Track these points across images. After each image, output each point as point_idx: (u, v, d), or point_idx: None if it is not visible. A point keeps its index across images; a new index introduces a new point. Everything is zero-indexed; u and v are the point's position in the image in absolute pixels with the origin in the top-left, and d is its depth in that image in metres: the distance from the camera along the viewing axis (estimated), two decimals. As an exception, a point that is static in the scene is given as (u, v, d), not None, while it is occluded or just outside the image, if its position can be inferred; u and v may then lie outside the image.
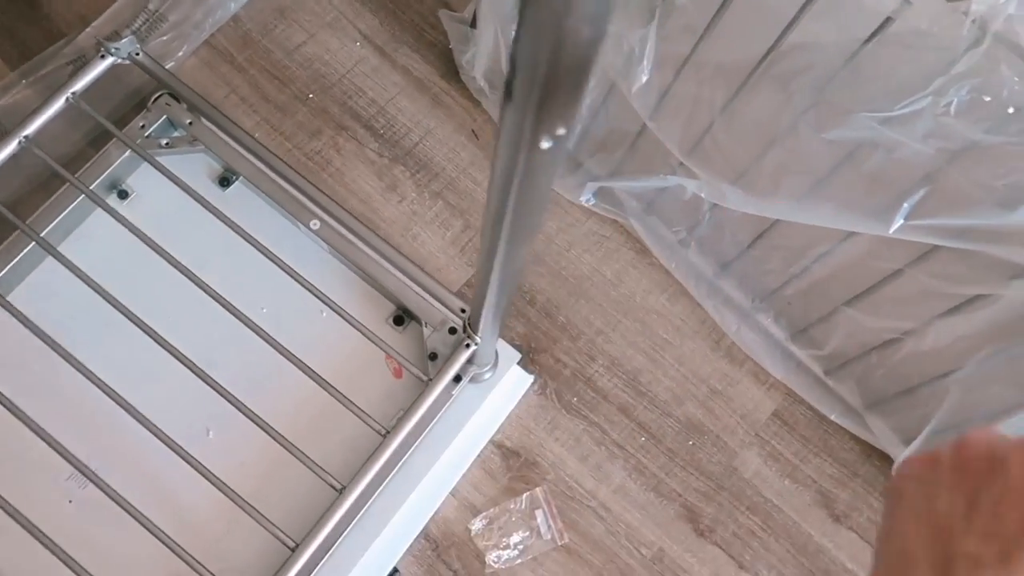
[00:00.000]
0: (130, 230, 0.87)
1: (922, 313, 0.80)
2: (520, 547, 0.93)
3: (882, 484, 0.97)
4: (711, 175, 0.84)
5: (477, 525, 0.93)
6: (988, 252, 0.66)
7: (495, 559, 0.92)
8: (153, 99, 0.97)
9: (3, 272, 0.89)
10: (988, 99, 0.57)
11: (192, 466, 0.78)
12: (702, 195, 0.87)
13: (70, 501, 0.87)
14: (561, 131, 0.33)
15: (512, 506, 0.94)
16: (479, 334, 0.78)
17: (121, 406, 0.81)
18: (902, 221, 0.68)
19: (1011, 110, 0.56)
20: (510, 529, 0.93)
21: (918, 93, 0.60)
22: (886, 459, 0.96)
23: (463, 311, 0.86)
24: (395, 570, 0.90)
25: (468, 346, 0.81)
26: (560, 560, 0.93)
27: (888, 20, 0.62)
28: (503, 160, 0.37)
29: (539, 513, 0.94)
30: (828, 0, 0.65)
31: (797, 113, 0.72)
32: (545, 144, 0.33)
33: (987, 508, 0.24)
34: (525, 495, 0.94)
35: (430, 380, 0.81)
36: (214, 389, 0.83)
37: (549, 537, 0.93)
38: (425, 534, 0.92)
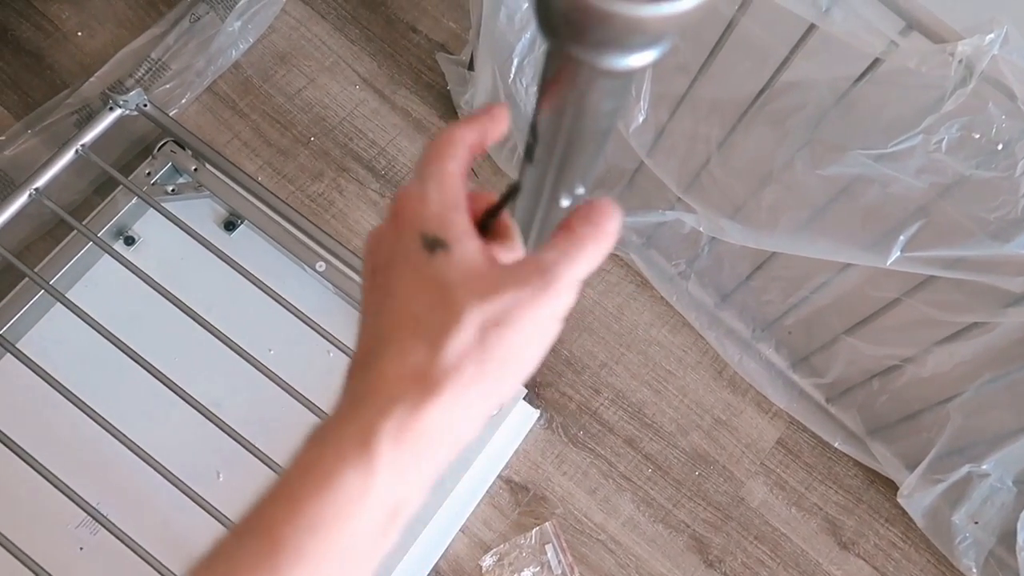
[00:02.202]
0: (137, 275, 0.88)
1: (921, 340, 0.82)
2: (530, 582, 0.93)
3: (887, 510, 0.98)
4: (709, 210, 0.86)
5: (488, 561, 0.93)
6: (983, 281, 0.68)
7: (506, 595, 0.92)
8: (159, 147, 0.99)
9: (13, 320, 0.90)
10: (977, 136, 0.59)
11: (203, 508, 0.78)
12: (700, 229, 0.88)
13: (81, 548, 0.87)
14: (580, 190, 0.34)
15: (522, 541, 0.94)
16: (487, 372, 0.79)
17: (132, 451, 0.82)
18: (899, 253, 0.70)
19: (1000, 146, 0.58)
20: (521, 564, 0.93)
21: (910, 131, 0.62)
22: (890, 485, 0.97)
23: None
24: (406, 609, 0.90)
25: (476, 384, 0.82)
26: (571, 594, 0.93)
27: (877, 61, 0.64)
28: (521, 214, 0.38)
29: (549, 548, 0.94)
30: (818, 41, 0.68)
31: (792, 150, 0.74)
32: (565, 202, 0.34)
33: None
34: (535, 530, 0.95)
35: (440, 419, 0.82)
36: (223, 430, 0.83)
37: (560, 572, 0.93)
38: (436, 571, 0.92)
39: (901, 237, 0.69)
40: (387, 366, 0.28)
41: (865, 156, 0.66)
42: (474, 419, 0.29)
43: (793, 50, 0.70)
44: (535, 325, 0.28)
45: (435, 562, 0.92)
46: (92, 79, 1.11)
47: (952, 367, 0.81)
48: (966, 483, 0.85)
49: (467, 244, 0.29)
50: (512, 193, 0.32)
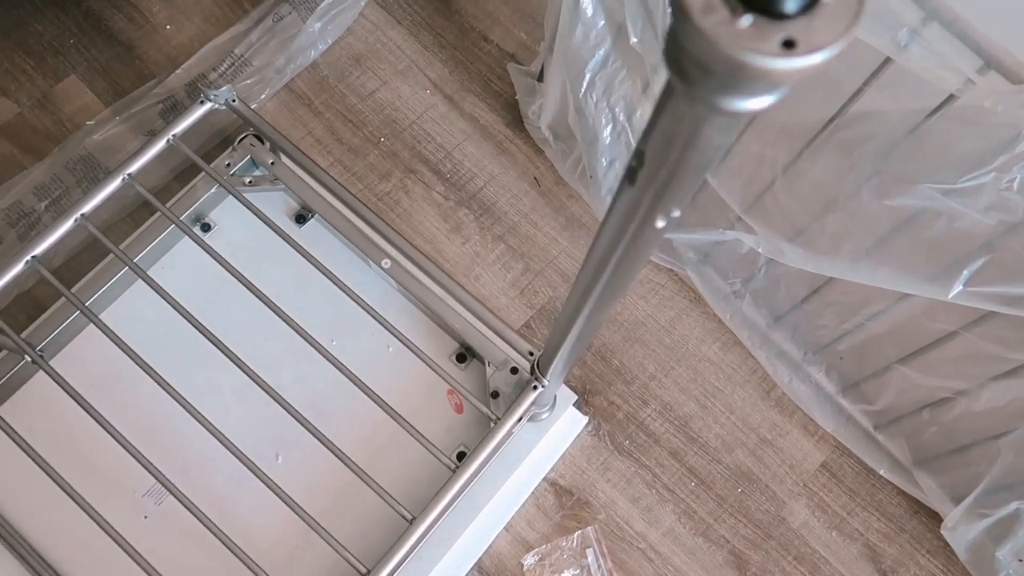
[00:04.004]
0: (215, 259, 0.93)
1: (976, 374, 0.82)
2: (569, 584, 0.95)
3: (929, 541, 0.98)
4: (769, 232, 0.88)
5: (529, 560, 0.96)
6: (1045, 320, 0.69)
7: (545, 595, 0.94)
8: (239, 139, 1.04)
9: (98, 294, 0.95)
10: (1051, 177, 0.60)
11: (267, 485, 0.82)
12: (759, 250, 0.90)
13: (145, 517, 0.92)
14: (676, 213, 0.36)
15: (564, 543, 0.96)
16: (547, 377, 0.81)
17: (201, 423, 0.85)
18: (961, 287, 0.70)
19: (1073, 188, 0.59)
20: (561, 566, 0.95)
21: (981, 168, 0.63)
22: (934, 516, 0.98)
23: (531, 353, 0.90)
24: (448, 600, 0.93)
25: (535, 388, 0.85)
26: (608, 599, 0.95)
27: (951, 97, 0.65)
28: (610, 234, 0.40)
29: (590, 552, 0.96)
30: (892, 74, 0.69)
31: (860, 179, 0.75)
32: (660, 223, 0.37)
33: None
34: (576, 533, 0.97)
35: (499, 419, 0.84)
36: (287, 411, 0.87)
37: (598, 576, 0.95)
38: (479, 567, 0.95)
39: (965, 272, 0.70)
40: None
41: (934, 189, 0.67)
42: None
43: (867, 81, 0.71)
44: None
45: (478, 557, 0.95)
46: (178, 71, 1.16)
47: (1007, 403, 0.81)
48: (1013, 520, 0.85)
49: None
50: None
